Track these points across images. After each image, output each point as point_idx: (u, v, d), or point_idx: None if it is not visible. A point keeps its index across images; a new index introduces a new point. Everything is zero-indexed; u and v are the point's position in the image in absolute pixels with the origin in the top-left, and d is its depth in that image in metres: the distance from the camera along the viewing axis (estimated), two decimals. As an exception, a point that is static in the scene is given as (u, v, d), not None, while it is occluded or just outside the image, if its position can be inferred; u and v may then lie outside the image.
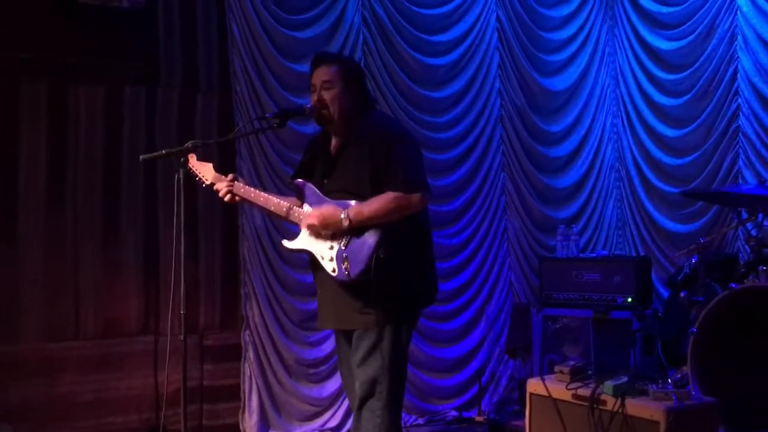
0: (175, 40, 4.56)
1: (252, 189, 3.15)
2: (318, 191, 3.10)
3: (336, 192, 3.06)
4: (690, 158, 5.59)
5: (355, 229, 2.93)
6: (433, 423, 5.07)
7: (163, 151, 2.97)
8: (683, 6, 5.66)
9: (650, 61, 5.83)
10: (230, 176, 3.16)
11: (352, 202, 2.98)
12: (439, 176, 5.18)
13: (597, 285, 4.87)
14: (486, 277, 5.44)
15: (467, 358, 5.31)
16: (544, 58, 5.75)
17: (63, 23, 4.24)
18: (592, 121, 5.95)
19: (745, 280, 4.12)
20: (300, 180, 3.17)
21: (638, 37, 5.90)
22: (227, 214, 4.58)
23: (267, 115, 3.25)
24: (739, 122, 5.35)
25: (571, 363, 4.14)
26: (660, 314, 4.81)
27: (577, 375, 3.97)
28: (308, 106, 3.14)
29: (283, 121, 3.11)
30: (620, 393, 3.63)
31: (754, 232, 4.27)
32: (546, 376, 4.11)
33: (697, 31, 5.56)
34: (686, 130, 5.62)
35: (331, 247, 2.99)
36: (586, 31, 5.93)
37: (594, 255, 5.44)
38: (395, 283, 2.93)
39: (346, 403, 4.66)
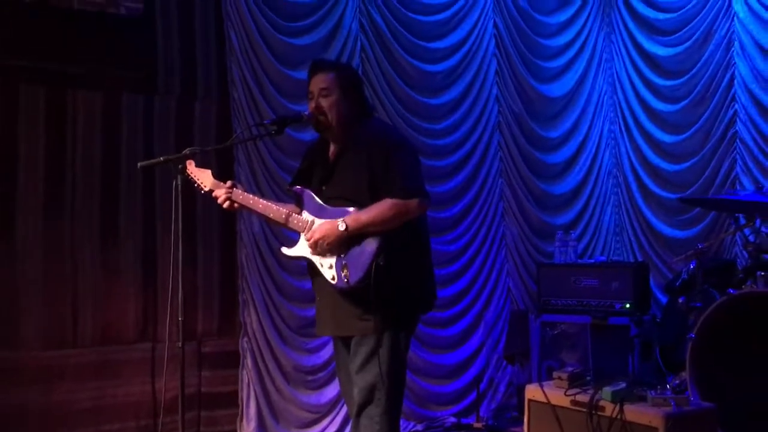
0: (173, 47, 4.56)
1: (251, 196, 3.16)
2: (316, 198, 3.11)
3: (334, 199, 3.07)
4: (687, 164, 5.60)
5: (354, 237, 2.94)
6: (432, 429, 5.06)
7: (161, 158, 2.98)
8: (680, 12, 5.68)
9: (647, 68, 5.85)
10: (229, 183, 3.16)
11: (351, 209, 2.99)
12: (437, 183, 5.18)
13: (595, 291, 4.87)
14: (484, 283, 5.44)
15: (466, 365, 5.30)
16: (541, 65, 5.76)
17: (61, 30, 4.24)
18: (590, 127, 5.96)
19: (743, 286, 4.12)
20: (298, 187, 3.18)
21: (635, 44, 5.92)
22: (225, 220, 4.58)
23: (265, 122, 3.26)
24: (737, 128, 5.37)
25: (570, 369, 4.15)
26: (658, 320, 4.82)
27: (575, 381, 3.97)
28: (306, 113, 3.15)
29: (280, 128, 3.12)
30: (619, 399, 3.63)
31: (751, 238, 4.28)
32: (544, 382, 4.11)
33: (693, 38, 5.59)
34: (683, 136, 5.64)
35: (330, 255, 2.99)
36: (583, 37, 5.95)
37: (592, 261, 5.44)
38: (394, 289, 2.94)
39: (344, 409, 4.65)
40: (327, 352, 4.70)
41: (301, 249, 3.08)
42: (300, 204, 3.15)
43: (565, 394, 3.87)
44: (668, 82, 5.74)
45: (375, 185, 2.99)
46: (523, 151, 5.64)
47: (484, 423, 5.10)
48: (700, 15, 5.55)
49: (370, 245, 2.91)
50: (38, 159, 4.19)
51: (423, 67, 5.27)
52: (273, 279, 4.65)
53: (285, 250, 3.17)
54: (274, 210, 3.12)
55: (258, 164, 4.63)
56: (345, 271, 2.93)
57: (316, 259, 3.04)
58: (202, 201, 4.23)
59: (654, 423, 3.46)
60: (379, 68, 5.10)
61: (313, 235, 2.99)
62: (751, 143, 5.29)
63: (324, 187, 3.14)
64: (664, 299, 5.33)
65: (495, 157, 5.54)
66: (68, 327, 4.21)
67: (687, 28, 5.63)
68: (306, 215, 3.10)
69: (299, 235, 3.10)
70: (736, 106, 5.37)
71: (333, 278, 2.98)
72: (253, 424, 4.54)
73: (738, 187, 5.29)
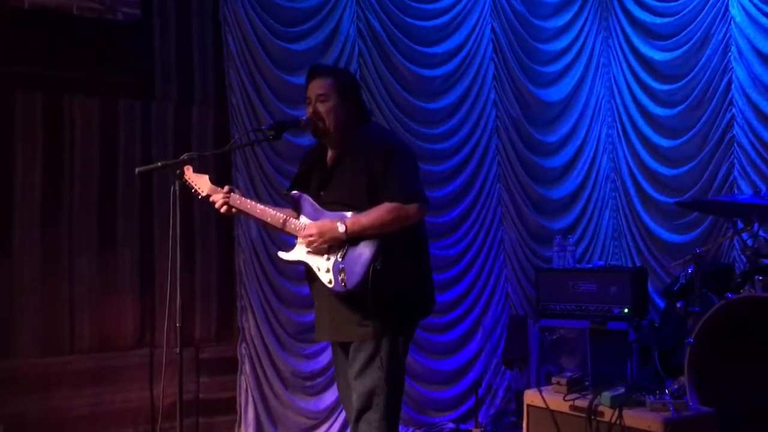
0: (171, 53, 4.56)
1: (248, 201, 3.16)
2: (314, 203, 3.10)
3: (332, 204, 3.07)
4: (685, 168, 5.61)
5: (352, 240, 2.94)
6: (430, 435, 5.06)
7: (159, 164, 2.97)
8: (677, 17, 5.69)
9: (644, 72, 5.86)
10: (226, 188, 3.16)
11: (349, 214, 2.98)
12: (434, 187, 5.18)
13: (593, 296, 4.87)
14: (482, 288, 5.44)
15: (464, 370, 5.30)
16: (538, 69, 5.77)
17: (58, 36, 4.24)
18: (588, 131, 5.97)
19: (742, 290, 4.12)
20: (296, 192, 3.18)
21: (632, 48, 5.93)
22: (223, 226, 4.57)
23: (263, 127, 3.26)
24: (734, 132, 5.38)
25: (568, 374, 4.14)
26: (656, 324, 4.81)
27: (574, 386, 3.97)
28: (304, 118, 3.15)
29: (278, 133, 3.12)
30: (618, 404, 3.63)
31: (749, 242, 4.28)
32: (543, 388, 4.11)
33: (691, 42, 5.60)
34: (681, 140, 5.65)
35: (328, 259, 2.99)
36: (580, 42, 5.97)
37: (590, 266, 5.45)
38: (392, 294, 2.93)
39: (343, 415, 4.65)
40: (325, 357, 4.69)
41: (299, 252, 3.08)
42: (297, 209, 3.15)
43: (564, 399, 3.87)
44: (665, 87, 5.75)
45: (373, 190, 2.99)
46: (521, 155, 5.65)
47: (482, 428, 5.09)
48: (697, 19, 5.57)
49: (368, 249, 2.91)
50: (35, 165, 4.18)
51: (421, 72, 5.28)
52: (271, 284, 4.64)
53: (282, 254, 3.17)
54: (272, 215, 3.12)
55: (256, 169, 4.63)
56: (342, 274, 2.93)
57: (314, 263, 3.03)
58: (200, 206, 4.23)
59: (653, 428, 3.46)
60: (376, 73, 5.10)
61: (309, 229, 2.98)
62: (748, 147, 5.30)
63: (322, 192, 3.14)
64: (662, 304, 5.32)
65: (493, 162, 5.55)
66: (65, 333, 4.20)
67: (684, 32, 5.64)
68: (303, 220, 3.10)
69: (297, 240, 3.10)
70: (734, 110, 5.38)
71: (330, 282, 2.97)
72: (251, 430, 4.53)
73: (736, 191, 5.30)
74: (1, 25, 4.09)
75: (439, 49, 5.37)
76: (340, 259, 2.95)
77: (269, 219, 3.12)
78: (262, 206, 3.15)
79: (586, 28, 6.00)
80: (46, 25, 4.21)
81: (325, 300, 3.07)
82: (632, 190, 5.93)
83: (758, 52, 5.28)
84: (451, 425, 5.14)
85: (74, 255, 4.24)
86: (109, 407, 4.27)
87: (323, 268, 3.00)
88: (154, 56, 4.51)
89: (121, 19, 4.37)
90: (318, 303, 3.16)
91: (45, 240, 4.17)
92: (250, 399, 4.56)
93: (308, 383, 4.72)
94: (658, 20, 5.80)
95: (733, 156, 5.38)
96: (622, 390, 3.73)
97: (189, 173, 3.12)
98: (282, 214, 3.12)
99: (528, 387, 4.90)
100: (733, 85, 5.39)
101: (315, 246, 2.99)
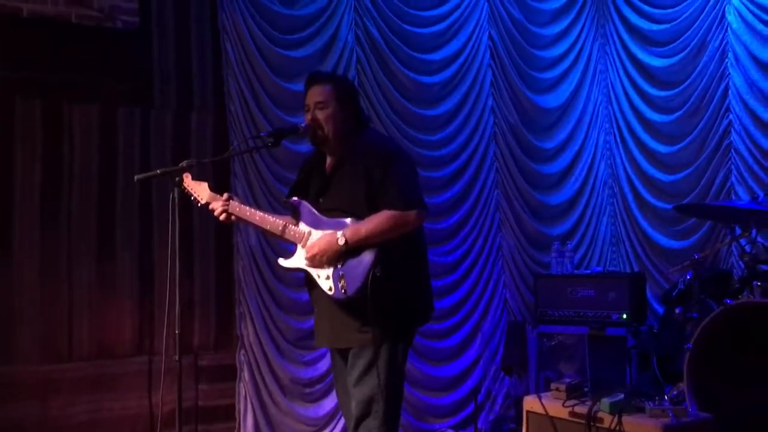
0: (169, 60, 4.56)
1: (247, 208, 3.16)
2: (313, 210, 3.10)
3: (331, 210, 3.07)
4: (682, 174, 5.62)
5: (352, 248, 2.93)
6: (430, 441, 5.05)
7: (158, 171, 2.97)
8: (673, 23, 5.71)
9: (642, 78, 5.87)
10: (225, 195, 3.16)
11: (348, 221, 2.98)
12: (433, 194, 5.18)
13: (592, 301, 4.87)
14: (481, 294, 5.43)
15: (463, 376, 5.29)
16: (536, 76, 5.78)
17: (57, 43, 4.24)
18: (585, 137, 5.98)
19: (740, 296, 4.12)
20: (295, 198, 3.18)
21: (629, 55, 5.94)
22: (222, 232, 4.57)
23: (261, 134, 3.27)
24: (731, 138, 5.38)
25: (568, 380, 4.14)
26: (655, 330, 4.81)
27: (573, 392, 3.96)
28: (302, 125, 3.15)
29: (277, 140, 3.12)
30: (617, 410, 3.62)
31: (747, 248, 4.28)
32: (542, 394, 4.10)
33: (687, 48, 5.61)
34: (678, 146, 5.66)
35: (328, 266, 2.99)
36: (577, 48, 5.98)
37: (589, 272, 5.44)
38: (392, 300, 2.93)
39: (342, 422, 4.63)
40: (324, 364, 4.68)
41: (298, 260, 3.08)
42: (297, 216, 3.15)
43: (563, 406, 3.86)
44: (663, 93, 5.76)
45: (372, 196, 2.99)
46: (519, 161, 5.65)
47: (481, 435, 5.08)
48: (694, 26, 5.58)
49: (368, 256, 2.91)
50: (35, 172, 4.18)
51: (419, 79, 5.28)
52: (270, 291, 4.63)
53: (282, 262, 3.17)
54: (271, 222, 3.11)
55: (254, 176, 4.63)
56: (342, 282, 2.93)
57: (313, 271, 3.03)
58: (199, 213, 4.22)
59: (652, 434, 3.45)
60: (375, 80, 5.10)
61: (311, 250, 2.99)
62: (745, 153, 5.31)
63: (321, 199, 3.14)
64: (660, 310, 5.32)
65: (491, 168, 5.55)
66: (64, 340, 4.19)
67: (681, 39, 5.65)
68: (303, 227, 3.09)
69: (296, 247, 3.10)
70: (731, 116, 5.39)
71: (330, 289, 2.97)
72: (250, 438, 4.52)
73: (733, 197, 5.30)
74: (1, 31, 4.09)
75: (436, 56, 5.37)
76: (340, 266, 2.95)
77: (268, 226, 3.12)
78: (261, 213, 3.15)
79: (583, 35, 6.01)
80: (46, 31, 4.21)
81: (325, 307, 3.07)
82: (630, 196, 5.93)
83: (755, 59, 5.30)
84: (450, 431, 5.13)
85: (73, 261, 4.24)
86: (108, 415, 4.26)
87: (323, 275, 2.99)
88: (153, 63, 4.52)
89: (120, 27, 4.37)
90: (318, 310, 3.15)
91: (44, 246, 4.17)
92: (249, 406, 4.55)
93: (307, 390, 4.71)
94: (655, 27, 5.81)
95: (730, 162, 5.39)
96: (621, 396, 3.73)
97: (188, 180, 3.12)
98: (281, 221, 3.11)
99: (527, 393, 4.89)
100: (730, 92, 5.40)
101: (320, 264, 2.99)
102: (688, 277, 4.47)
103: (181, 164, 2.97)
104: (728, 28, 5.40)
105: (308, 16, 4.89)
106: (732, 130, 5.38)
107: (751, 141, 5.29)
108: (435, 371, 5.19)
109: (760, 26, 5.27)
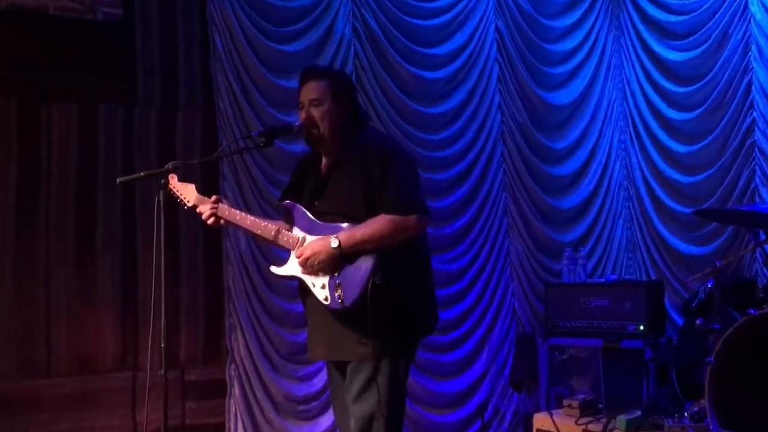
0: (154, 54, 4.57)
1: (237, 211, 3.16)
2: (308, 213, 3.10)
3: (327, 214, 3.06)
4: (703, 176, 5.61)
5: (349, 255, 2.93)
6: (433, 462, 5.05)
7: (142, 173, 2.98)
8: (693, 15, 5.70)
9: (659, 73, 5.86)
10: (214, 198, 3.16)
11: (345, 225, 2.98)
12: (436, 198, 5.18)
13: (606, 312, 4.87)
14: (488, 304, 5.43)
15: (469, 392, 5.28)
16: (546, 71, 5.78)
17: (35, 37, 4.25)
18: (599, 137, 5.97)
19: (765, 306, 4.11)
20: (289, 201, 3.17)
21: (646, 48, 5.93)
22: (210, 238, 4.57)
23: (253, 133, 3.27)
24: (755, 137, 5.37)
25: (581, 396, 4.15)
26: (674, 343, 4.81)
27: (587, 409, 3.97)
28: (296, 124, 3.15)
29: (269, 140, 3.12)
30: (634, 428, 3.63)
31: (773, 255, 4.28)
32: (554, 411, 4.11)
33: (708, 41, 5.60)
34: (698, 145, 5.65)
35: (324, 274, 2.98)
36: (590, 42, 5.97)
37: (603, 280, 5.44)
38: (392, 311, 2.92)
39: (339, 441, 4.63)
40: (320, 380, 4.68)
41: (292, 268, 3.07)
42: (290, 220, 3.15)
43: (576, 424, 3.87)
44: (682, 89, 5.75)
45: (371, 199, 2.99)
46: (528, 162, 5.65)
47: (489, 455, 5.08)
48: (715, 17, 5.57)
49: (366, 263, 2.90)
50: (10, 173, 4.18)
51: (421, 74, 5.29)
52: (261, 301, 4.63)
53: (274, 269, 3.16)
54: (263, 226, 3.11)
55: (245, 178, 4.63)
56: (339, 290, 2.93)
57: (308, 279, 3.03)
58: (186, 217, 4.23)
59: (672, 453, 3.45)
60: (373, 75, 5.11)
61: (303, 252, 2.99)
62: (771, 153, 5.30)
63: (316, 202, 3.13)
64: (680, 320, 5.31)
65: (498, 170, 5.55)
66: (42, 354, 4.19)
67: (701, 31, 5.64)
68: (297, 232, 3.09)
69: (289, 254, 3.10)
70: (755, 113, 5.38)
71: (326, 299, 2.97)
72: (240, 458, 4.51)
73: (757, 200, 5.30)
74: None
75: (440, 49, 5.38)
76: (336, 275, 2.95)
77: (260, 231, 3.12)
78: (251, 217, 3.15)
79: (596, 27, 6.01)
80: (24, 24, 4.21)
81: (320, 317, 3.06)
82: (647, 199, 5.93)
83: (780, 52, 5.30)
84: (456, 452, 5.13)
85: (52, 269, 4.24)
86: (90, 434, 4.26)
87: (318, 284, 2.99)
88: (137, 57, 4.53)
89: (101, 19, 4.38)
90: (312, 320, 3.15)
91: (20, 253, 4.18)
92: (240, 424, 4.54)
93: (302, 407, 4.70)
94: (673, 18, 5.81)
95: (754, 162, 5.37)
96: (638, 413, 3.74)
97: (174, 182, 3.12)
98: (273, 226, 3.11)
99: (537, 410, 4.89)
100: (753, 87, 5.38)
101: (312, 268, 2.98)
102: (710, 286, 4.47)
103: (166, 166, 2.98)
104: (751, 20, 5.40)
105: (302, 8, 4.90)
106: (756, 128, 5.37)
107: (776, 140, 5.29)
108: (439, 387, 5.19)
109: (784, 17, 5.28)
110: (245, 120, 4.64)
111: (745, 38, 5.43)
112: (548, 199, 5.72)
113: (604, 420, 3.79)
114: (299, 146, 4.32)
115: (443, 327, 5.10)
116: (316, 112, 3.11)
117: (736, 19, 5.47)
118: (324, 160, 3.22)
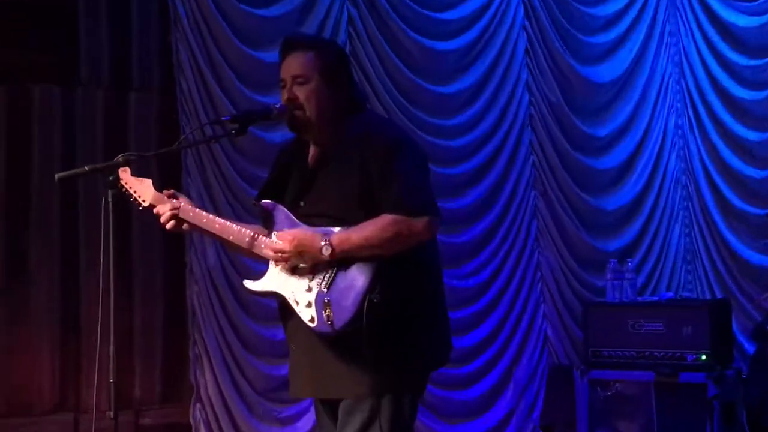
0: (101, 25, 4.58)
1: (204, 213, 3.15)
2: (292, 216, 3.11)
3: (315, 217, 3.06)
4: (779, 169, 5.64)
5: (341, 264, 2.93)
6: None
7: (86, 168, 2.97)
8: (766, -30, 5.74)
9: (724, 43, 5.89)
10: (173, 192, 3.16)
11: (336, 230, 2.98)
12: (448, 197, 5.20)
13: (661, 338, 4.89)
14: (513, 330, 5.45)
15: (490, 439, 5.31)
16: (585, 40, 5.80)
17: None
18: (650, 121, 6.00)
19: None
20: (268, 201, 3.17)
21: (708, 12, 5.96)
22: (171, 247, 4.58)
23: (223, 118, 3.26)
24: (844, 121, 5.40)
25: (629, 442, 4.16)
26: (744, 375, 4.82)
27: (636, 457, 3.97)
28: (277, 106, 3.15)
29: (243, 126, 3.12)
30: (695, 481, 3.63)
31: None
32: (596, 460, 4.11)
33: (785, 3, 5.63)
34: (773, 131, 5.68)
35: (309, 289, 2.98)
36: (639, 3, 5.99)
37: (656, 298, 5.46)
38: (395, 336, 2.93)
39: (330, 499, 4.64)
40: (307, 423, 4.69)
41: (271, 281, 3.07)
42: (269, 224, 3.14)
43: (623, 475, 3.86)
44: (751, 62, 5.78)
45: (369, 198, 2.99)
46: (563, 154, 5.67)
47: None
48: (793, -27, 5.61)
49: (362, 276, 2.90)
50: None
51: (430, 45, 5.30)
52: (234, 326, 4.64)
53: (249, 284, 3.15)
54: (235, 231, 3.11)
55: (213, 173, 4.64)
56: (328, 310, 2.92)
57: (290, 295, 3.02)
58: (140, 222, 4.24)
59: None
60: (372, 46, 5.12)
61: (284, 236, 2.97)
62: None
63: (302, 202, 3.13)
64: (751, 348, 5.33)
65: (526, 163, 5.57)
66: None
67: (775, -9, 5.68)
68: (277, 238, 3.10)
69: (267, 266, 3.10)
70: (842, 91, 5.41)
71: (312, 320, 2.96)
72: None
73: None
74: None
75: (454, 14, 5.40)
76: (325, 290, 2.95)
77: (231, 237, 3.11)
78: (222, 220, 3.15)
79: (646, -14, 6.04)
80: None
81: (305, 343, 3.05)
82: (709, 198, 5.94)
83: None
84: None
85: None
86: (21, 491, 4.27)
87: (303, 301, 2.99)
88: (80, 29, 4.54)
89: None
90: (295, 347, 3.15)
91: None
92: (207, 479, 4.56)
93: (284, 458, 4.72)
94: (741, -25, 5.84)
95: (843, 153, 5.40)
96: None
97: (126, 177, 3.12)
98: (249, 231, 3.11)
99: (576, 460, 4.90)
100: (840, 59, 5.42)
101: (287, 263, 2.98)
102: (788, 305, 4.49)
103: (116, 159, 2.97)
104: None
105: (284, -38, 4.93)
106: (844, 110, 5.40)
107: None
108: (454, 431, 5.19)
109: None
110: (213, 102, 4.65)
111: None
112: (588, 199, 5.73)
113: (658, 471, 3.80)
114: (280, 134, 4.34)
115: (459, 357, 5.11)
116: (300, 91, 3.11)
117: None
118: (311, 151, 3.22)
